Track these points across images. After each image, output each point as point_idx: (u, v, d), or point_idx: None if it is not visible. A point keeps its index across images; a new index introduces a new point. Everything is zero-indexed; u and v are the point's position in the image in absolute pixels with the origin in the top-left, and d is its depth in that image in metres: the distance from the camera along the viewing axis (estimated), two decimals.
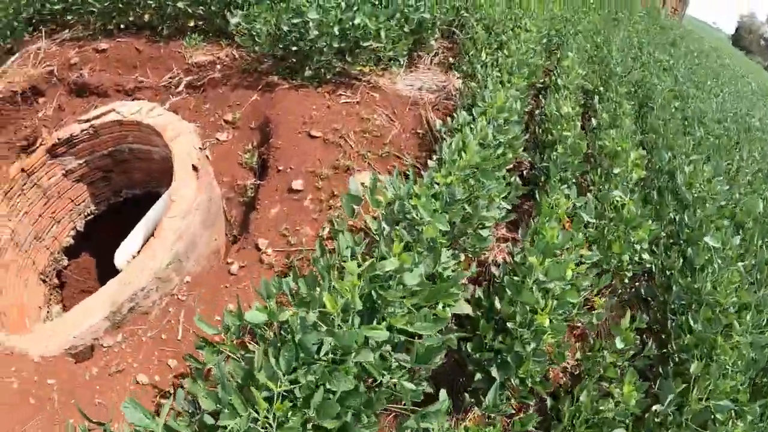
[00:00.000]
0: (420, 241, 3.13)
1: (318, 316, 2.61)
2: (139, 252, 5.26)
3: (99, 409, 3.99)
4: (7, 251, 5.54)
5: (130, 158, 5.93)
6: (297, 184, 4.74)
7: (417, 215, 3.12)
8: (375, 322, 2.72)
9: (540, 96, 6.74)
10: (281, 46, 5.56)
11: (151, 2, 6.15)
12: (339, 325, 2.51)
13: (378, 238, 3.34)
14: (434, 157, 4.43)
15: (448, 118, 4.88)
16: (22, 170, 5.56)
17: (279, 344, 2.52)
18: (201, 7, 6.17)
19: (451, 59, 6.61)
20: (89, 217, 6.38)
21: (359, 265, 2.68)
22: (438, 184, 3.56)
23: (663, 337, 4.15)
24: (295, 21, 5.21)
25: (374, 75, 5.76)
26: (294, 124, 5.14)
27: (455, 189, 3.36)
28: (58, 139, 5.58)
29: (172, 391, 4.09)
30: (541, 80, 6.64)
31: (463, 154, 3.81)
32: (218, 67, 5.96)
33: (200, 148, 5.00)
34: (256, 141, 5.41)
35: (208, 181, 4.83)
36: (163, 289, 4.41)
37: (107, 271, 7.14)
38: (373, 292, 2.71)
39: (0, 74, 6.30)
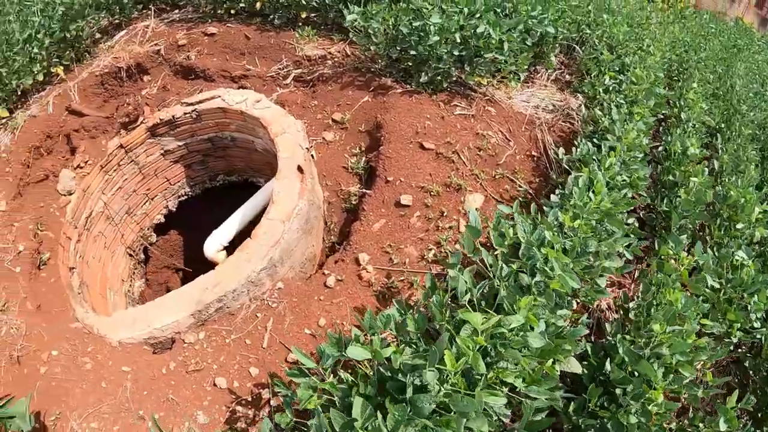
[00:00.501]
0: (547, 295, 2.84)
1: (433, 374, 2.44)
2: (229, 243, 5.32)
3: (171, 405, 3.99)
4: (98, 222, 5.69)
5: (230, 146, 5.90)
6: (405, 199, 4.56)
7: (548, 267, 2.82)
8: (485, 378, 2.57)
9: (660, 129, 6.28)
10: (398, 48, 5.42)
11: None
12: (454, 383, 2.27)
13: (497, 282, 3.05)
14: (556, 192, 4.20)
15: (570, 149, 4.50)
16: (121, 146, 5.62)
17: (383, 396, 2.30)
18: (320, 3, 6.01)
19: (568, 77, 6.37)
20: (182, 198, 6.43)
21: (476, 305, 2.41)
22: (563, 225, 3.24)
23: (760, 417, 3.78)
24: (415, 24, 4.96)
25: (490, 87, 5.52)
26: (406, 133, 4.97)
27: (589, 241, 3.05)
28: (160, 119, 5.58)
29: (249, 400, 4.01)
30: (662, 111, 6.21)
31: (591, 195, 3.48)
32: (329, 62, 5.85)
33: (306, 148, 4.77)
34: (364, 145, 5.28)
35: (312, 185, 4.76)
36: (254, 292, 4.35)
37: (193, 253, 7.21)
38: (491, 348, 2.45)
39: (106, 49, 6.24)
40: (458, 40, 5.06)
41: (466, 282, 3.02)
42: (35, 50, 5.75)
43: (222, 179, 6.43)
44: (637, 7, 8.52)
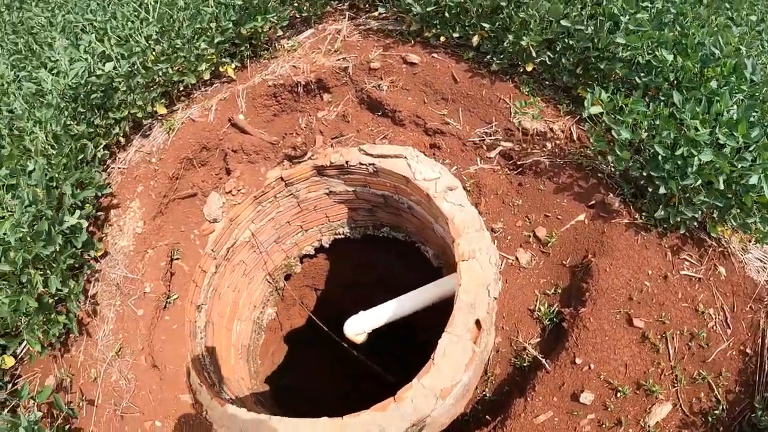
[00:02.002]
0: None
1: None
2: (372, 331, 5.05)
3: None
4: (240, 251, 5.45)
5: (405, 211, 5.48)
6: (586, 398, 3.89)
7: None
8: None
9: None
10: (642, 170, 4.42)
11: (486, 25, 4.93)
12: None
13: None
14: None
15: None
16: (282, 179, 5.22)
17: None
18: (556, 54, 5.12)
19: None
20: (339, 237, 6.16)
21: None
22: None
23: None
24: (678, 150, 3.97)
25: (724, 234, 4.50)
26: (618, 297, 4.17)
27: None
28: (331, 162, 5.27)
29: None
30: None
31: None
32: (548, 145, 5.03)
33: (495, 297, 4.21)
34: (561, 285, 4.55)
35: (486, 343, 4.14)
36: None
37: (333, 282, 6.57)
38: None
39: (287, 50, 5.48)
40: (721, 186, 3.94)
41: None
42: (203, 46, 5.33)
43: (387, 232, 5.82)
44: None
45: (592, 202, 4.67)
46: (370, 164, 4.99)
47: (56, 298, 4.59)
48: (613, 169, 4.71)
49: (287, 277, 6.19)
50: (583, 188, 4.75)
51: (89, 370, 4.52)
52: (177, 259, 5.07)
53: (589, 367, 3.98)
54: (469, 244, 4.40)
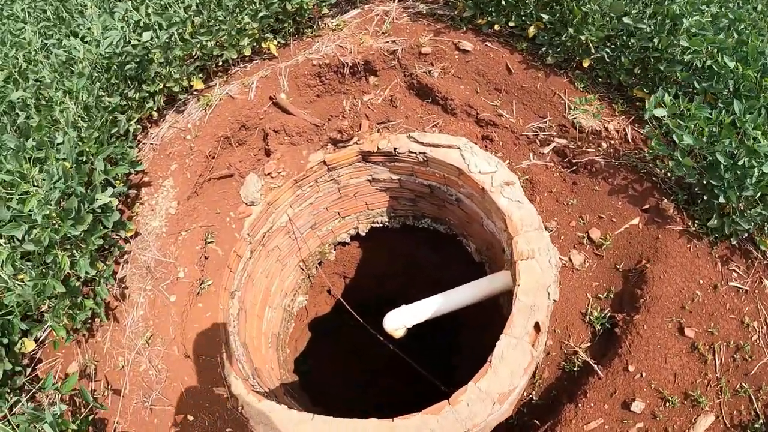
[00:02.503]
0: None
1: None
2: (412, 327, 4.68)
3: None
4: (276, 237, 5.04)
5: (452, 203, 5.04)
6: (637, 406, 3.61)
7: None
8: None
9: None
10: (700, 177, 4.06)
11: (545, 16, 4.72)
12: None
13: None
14: None
15: None
16: (324, 163, 4.87)
17: None
18: (615, 51, 4.75)
19: None
20: (377, 225, 5.72)
21: None
22: None
23: None
24: (741, 160, 3.77)
25: None
26: (671, 304, 3.88)
27: None
28: (378, 148, 4.85)
29: None
30: None
31: None
32: (603, 145, 4.65)
33: (554, 299, 3.92)
34: (614, 289, 4.18)
35: (541, 349, 3.81)
36: None
37: (365, 269, 6.14)
38: None
39: (333, 29, 5.04)
40: None
41: None
42: (246, 19, 4.88)
43: (428, 224, 5.39)
44: None
45: (647, 206, 4.33)
46: (420, 153, 4.57)
47: (83, 280, 4.13)
48: (669, 174, 4.37)
49: (319, 264, 5.74)
50: (638, 191, 4.41)
51: (116, 358, 4.11)
52: (211, 242, 4.63)
53: (641, 375, 3.71)
54: (528, 244, 4.05)
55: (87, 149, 4.24)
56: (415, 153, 4.60)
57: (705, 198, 4.15)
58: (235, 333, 4.45)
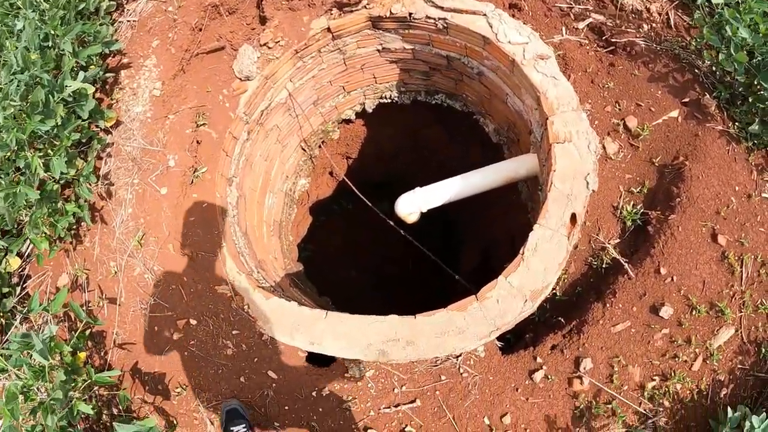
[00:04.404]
0: None
1: None
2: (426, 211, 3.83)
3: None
4: (274, 114, 4.00)
5: (472, 77, 3.90)
6: (666, 311, 3.06)
7: None
8: None
9: None
10: (745, 78, 3.21)
11: None
12: None
13: None
14: None
15: None
16: (329, 29, 3.72)
17: None
18: None
19: None
20: (384, 101, 4.57)
21: None
22: None
23: None
24: None
25: None
26: (707, 208, 3.18)
27: None
28: (391, 12, 3.61)
29: None
30: None
31: None
32: (644, 27, 3.53)
33: (593, 189, 2.94)
34: (648, 184, 3.36)
35: (575, 240, 3.06)
36: None
37: (367, 164, 5.29)
38: None
39: None
40: None
41: None
42: None
43: (441, 99, 4.27)
44: None
45: (686, 99, 3.42)
46: (440, 19, 3.43)
47: (61, 182, 3.22)
48: (714, 68, 3.40)
49: (322, 144, 4.70)
50: (678, 82, 3.44)
51: (107, 264, 3.42)
52: (203, 124, 3.68)
53: (672, 280, 3.12)
54: (565, 125, 3.12)
55: (51, 31, 3.13)
56: (434, 19, 3.45)
57: (750, 100, 3.28)
58: (235, 223, 3.63)
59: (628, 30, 3.51)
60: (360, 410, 3.20)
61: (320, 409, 3.22)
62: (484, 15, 3.38)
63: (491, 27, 3.35)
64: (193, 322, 3.31)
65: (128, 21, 3.75)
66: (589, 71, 3.56)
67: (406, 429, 3.14)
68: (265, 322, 3.06)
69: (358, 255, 6.68)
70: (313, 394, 3.24)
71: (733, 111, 3.36)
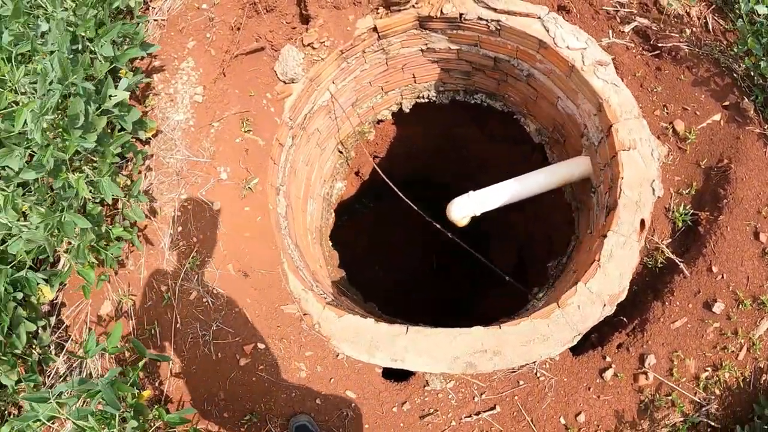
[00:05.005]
0: None
1: None
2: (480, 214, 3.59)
3: None
4: (316, 118, 3.67)
5: (519, 78, 3.62)
6: (718, 307, 3.05)
7: None
8: None
9: None
10: None
11: None
12: None
13: None
14: None
15: None
16: (375, 29, 3.33)
17: None
18: None
19: None
20: (422, 101, 4.25)
21: None
22: None
23: None
24: None
25: None
26: (750, 208, 3.17)
27: None
28: (442, 12, 3.23)
29: None
30: None
31: None
32: (686, 31, 3.36)
33: (659, 195, 3.02)
34: (696, 185, 3.28)
35: (642, 245, 3.01)
36: None
37: (403, 164, 4.96)
38: None
39: None
40: None
41: None
42: None
43: (482, 99, 3.97)
44: None
45: (726, 102, 3.30)
46: (493, 21, 3.07)
47: (101, 202, 2.74)
48: (751, 73, 3.31)
49: (357, 146, 4.33)
50: (719, 86, 3.33)
51: (158, 288, 2.83)
52: (248, 131, 3.14)
53: (722, 277, 3.06)
54: (630, 133, 2.98)
55: (83, 33, 2.57)
56: (486, 20, 3.07)
57: None
58: (287, 235, 3.20)
59: (672, 34, 3.33)
60: (441, 422, 2.92)
61: (401, 425, 2.91)
62: (539, 18, 3.03)
63: (547, 31, 3.02)
64: (261, 346, 2.84)
65: (155, 20, 3.04)
66: (638, 75, 3.34)
67: None
68: (341, 341, 2.72)
69: (384, 253, 6.24)
70: (394, 410, 2.92)
71: (767, 114, 3.29)
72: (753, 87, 3.29)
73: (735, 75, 3.32)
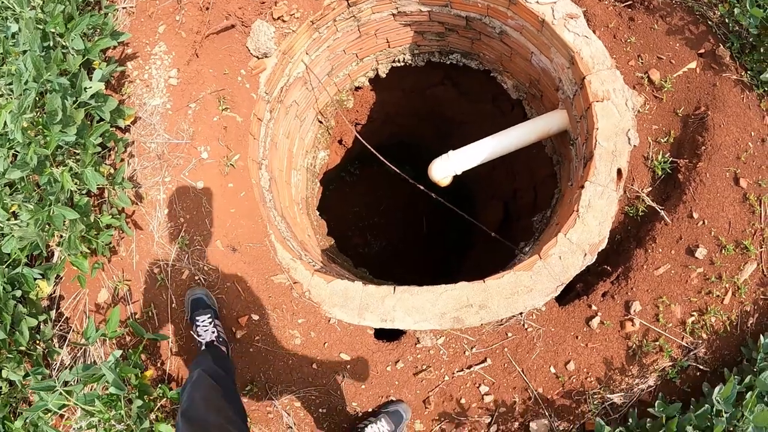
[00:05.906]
0: None
1: None
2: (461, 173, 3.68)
3: None
4: (292, 91, 3.67)
5: (492, 36, 3.62)
6: (700, 252, 3.13)
7: None
8: None
9: None
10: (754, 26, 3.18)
11: None
12: None
13: None
14: None
15: None
16: None
17: None
18: None
19: None
20: (397, 65, 4.24)
21: None
22: None
23: None
24: None
25: None
26: (729, 154, 3.22)
27: None
28: None
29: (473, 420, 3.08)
30: None
31: None
32: None
33: (635, 144, 3.02)
34: (674, 134, 3.33)
35: (620, 193, 3.02)
36: None
37: (382, 128, 4.96)
38: None
39: None
40: None
41: None
42: None
43: (456, 59, 3.96)
44: None
45: (702, 50, 3.33)
46: None
47: (88, 192, 2.83)
48: (725, 20, 3.35)
49: (336, 114, 4.34)
50: (694, 34, 3.36)
51: (150, 271, 2.95)
52: (226, 109, 3.20)
53: (703, 223, 3.15)
54: (603, 84, 2.99)
55: (52, 30, 2.61)
56: None
57: (761, 50, 3.25)
58: (273, 208, 3.30)
59: None
60: (435, 377, 3.07)
61: (396, 383, 3.06)
62: None
63: None
64: (255, 317, 2.98)
65: (123, 7, 3.06)
66: (611, 26, 3.35)
67: (480, 388, 3.08)
68: (331, 306, 2.82)
69: (374, 219, 6.29)
70: (388, 368, 3.07)
71: (745, 60, 3.31)
72: (728, 34, 3.33)
73: (710, 22, 3.35)
